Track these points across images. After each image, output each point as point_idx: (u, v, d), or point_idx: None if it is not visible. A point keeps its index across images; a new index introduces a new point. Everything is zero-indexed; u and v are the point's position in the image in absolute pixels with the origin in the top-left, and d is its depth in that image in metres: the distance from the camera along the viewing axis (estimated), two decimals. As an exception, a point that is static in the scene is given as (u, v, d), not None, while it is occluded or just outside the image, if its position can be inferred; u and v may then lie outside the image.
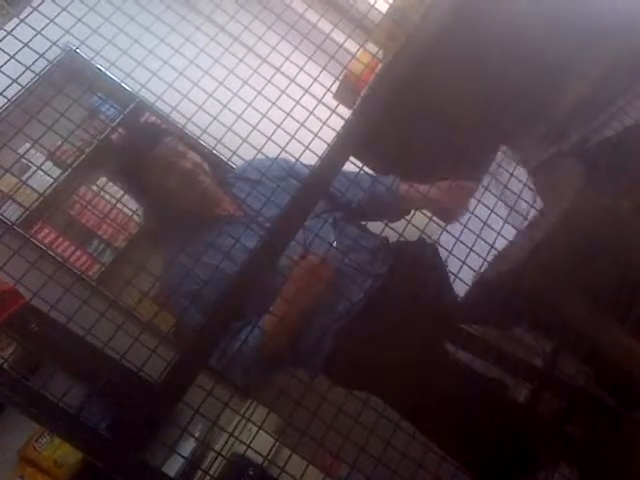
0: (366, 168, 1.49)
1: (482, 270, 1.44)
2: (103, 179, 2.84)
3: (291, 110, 1.30)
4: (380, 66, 1.87)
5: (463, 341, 1.69)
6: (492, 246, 1.44)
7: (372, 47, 1.72)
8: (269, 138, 1.30)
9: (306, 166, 1.74)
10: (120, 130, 2.86)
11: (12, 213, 2.67)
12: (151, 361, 1.24)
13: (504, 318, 1.65)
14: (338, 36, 1.48)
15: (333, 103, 1.86)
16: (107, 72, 2.83)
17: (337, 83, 1.85)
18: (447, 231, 1.52)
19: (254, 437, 1.33)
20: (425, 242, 1.70)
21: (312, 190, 1.27)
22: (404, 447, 1.22)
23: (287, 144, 1.33)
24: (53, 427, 1.24)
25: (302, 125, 1.31)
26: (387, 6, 1.67)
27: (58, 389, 1.23)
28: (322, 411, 1.20)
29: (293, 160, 1.45)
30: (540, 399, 1.73)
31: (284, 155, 1.45)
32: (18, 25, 1.42)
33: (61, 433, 1.24)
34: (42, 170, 2.65)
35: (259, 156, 1.57)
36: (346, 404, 1.23)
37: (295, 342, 1.60)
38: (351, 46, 1.57)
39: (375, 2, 1.51)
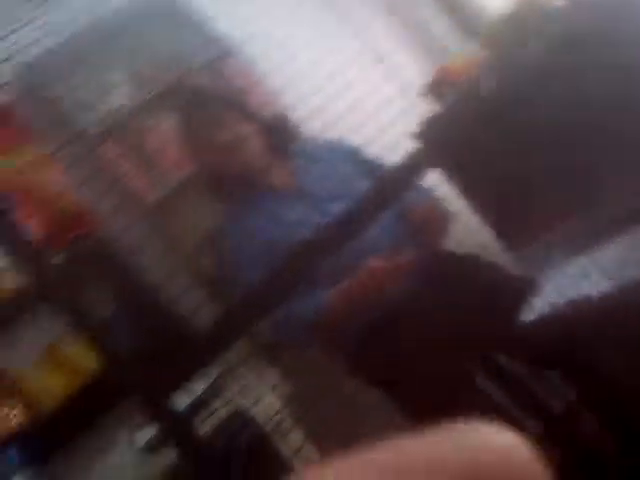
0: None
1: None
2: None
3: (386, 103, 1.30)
4: (480, 68, 1.83)
5: (492, 370, 1.68)
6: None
7: (478, 49, 1.69)
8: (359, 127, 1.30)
9: (377, 161, 1.74)
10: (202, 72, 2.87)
11: (89, 124, 2.71)
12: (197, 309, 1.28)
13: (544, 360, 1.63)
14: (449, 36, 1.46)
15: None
16: (197, 11, 2.83)
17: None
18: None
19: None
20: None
21: (391, 187, 1.27)
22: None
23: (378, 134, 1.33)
24: (86, 332, 1.26)
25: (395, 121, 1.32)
26: (500, 12, 1.64)
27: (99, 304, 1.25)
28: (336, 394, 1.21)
29: (359, 148, 1.44)
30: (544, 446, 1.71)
31: (351, 143, 1.45)
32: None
33: (92, 339, 1.26)
34: (120, 91, 2.70)
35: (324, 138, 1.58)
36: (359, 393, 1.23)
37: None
38: (456, 45, 1.56)
39: (493, 9, 1.48)
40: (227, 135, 1.74)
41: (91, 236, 1.29)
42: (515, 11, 1.63)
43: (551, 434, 1.65)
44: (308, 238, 1.22)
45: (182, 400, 2.26)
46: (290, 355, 1.82)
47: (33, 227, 1.27)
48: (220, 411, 2.46)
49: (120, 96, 2.80)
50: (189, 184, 2.85)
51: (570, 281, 1.45)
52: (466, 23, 1.47)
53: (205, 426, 2.25)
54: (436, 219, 1.77)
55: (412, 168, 1.25)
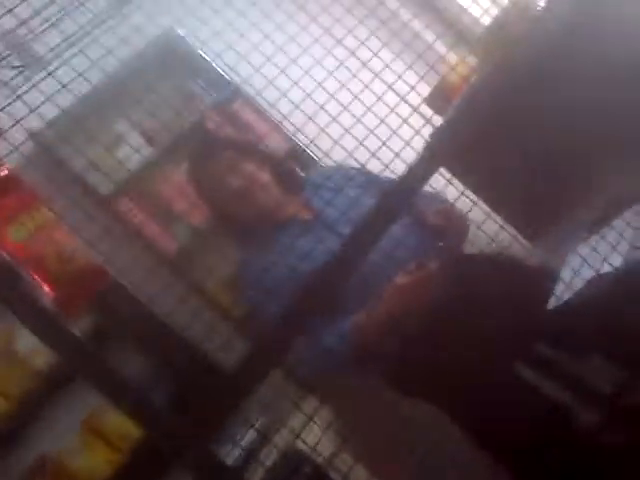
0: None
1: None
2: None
3: (386, 117, 1.31)
4: (475, 77, 1.84)
5: (535, 362, 1.65)
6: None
7: (472, 59, 1.70)
8: (361, 142, 1.31)
9: (386, 179, 1.74)
10: (212, 114, 2.91)
11: (102, 185, 2.76)
12: (225, 348, 1.27)
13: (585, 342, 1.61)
14: (439, 46, 1.47)
15: (428, 113, 1.85)
16: (205, 56, 2.89)
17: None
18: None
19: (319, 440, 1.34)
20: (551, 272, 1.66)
21: (397, 197, 1.27)
22: (467, 464, 1.21)
23: (377, 150, 1.34)
24: (120, 402, 1.27)
25: (394, 133, 1.32)
26: (489, 19, 1.64)
27: (128, 364, 1.28)
28: (388, 423, 1.21)
29: (369, 172, 1.44)
30: (608, 428, 1.67)
31: (358, 166, 1.46)
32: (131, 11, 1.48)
33: (127, 409, 1.27)
34: (130, 145, 2.74)
35: (347, 159, 1.59)
36: (414, 418, 1.23)
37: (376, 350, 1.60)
38: (451, 56, 1.56)
39: (480, 16, 1.49)
40: (240, 181, 1.76)
41: (109, 291, 1.30)
42: (502, 17, 1.64)
43: (608, 416, 1.61)
44: (324, 264, 1.21)
45: (230, 453, 2.22)
46: (327, 385, 1.80)
47: (50, 294, 1.27)
48: (270, 456, 2.42)
49: (130, 149, 2.85)
50: (206, 229, 2.88)
51: (583, 262, 1.45)
52: (457, 33, 1.48)
53: (259, 474, 2.21)
54: (456, 221, 1.76)
55: (416, 176, 1.24)
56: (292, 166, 2.03)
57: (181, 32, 2.83)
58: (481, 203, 1.55)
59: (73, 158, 2.52)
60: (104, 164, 2.70)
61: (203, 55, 2.87)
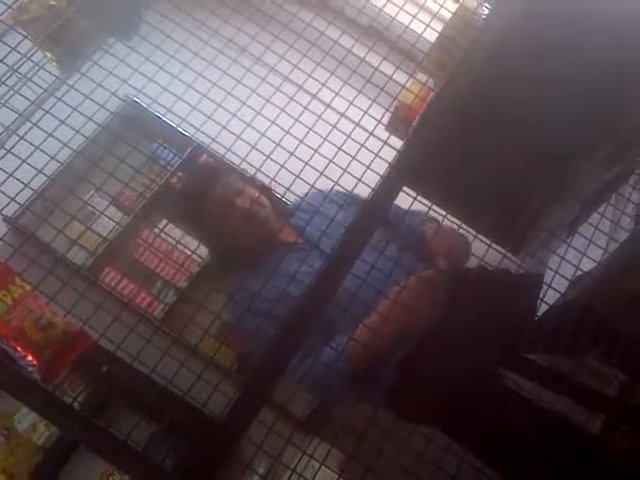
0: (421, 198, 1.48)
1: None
2: (164, 222, 2.92)
3: (342, 144, 1.31)
4: (431, 95, 1.87)
5: (533, 372, 1.63)
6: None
7: (422, 77, 1.72)
8: (322, 173, 1.31)
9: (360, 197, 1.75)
10: (179, 174, 2.94)
11: (80, 258, 2.76)
12: (215, 398, 1.25)
13: (576, 345, 1.59)
14: (386, 68, 1.49)
15: (384, 135, 1.86)
16: (164, 118, 2.93)
17: (387, 115, 1.85)
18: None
19: (317, 473, 1.31)
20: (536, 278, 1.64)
21: (367, 220, 1.27)
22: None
23: (340, 177, 1.34)
24: (120, 464, 1.27)
25: (354, 158, 1.32)
26: (435, 35, 1.67)
27: (125, 427, 1.26)
28: (386, 446, 1.18)
29: (346, 192, 1.44)
30: (615, 431, 1.65)
31: (337, 188, 1.46)
32: (79, 79, 1.50)
33: (128, 470, 1.26)
34: (106, 215, 2.76)
35: (312, 191, 1.60)
36: (410, 439, 1.20)
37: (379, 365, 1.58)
38: (400, 77, 1.58)
39: (423, 32, 1.51)
40: (248, 204, 1.75)
41: (91, 352, 1.29)
42: (448, 30, 1.67)
43: (616, 418, 1.58)
44: (314, 283, 1.20)
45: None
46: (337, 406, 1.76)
47: (34, 362, 1.26)
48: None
49: (107, 221, 2.86)
50: (193, 287, 2.87)
51: (565, 263, 1.44)
52: (402, 51, 1.51)
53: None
54: (457, 241, 1.74)
55: (380, 198, 1.25)
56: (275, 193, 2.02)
57: (141, 101, 2.88)
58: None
59: (51, 236, 2.53)
60: (82, 238, 2.71)
61: (164, 119, 2.92)
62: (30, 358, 1.24)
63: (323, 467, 1.39)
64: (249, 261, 1.77)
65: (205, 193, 1.76)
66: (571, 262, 1.47)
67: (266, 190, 1.86)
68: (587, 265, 1.45)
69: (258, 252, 1.77)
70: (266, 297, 1.44)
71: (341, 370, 1.51)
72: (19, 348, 1.22)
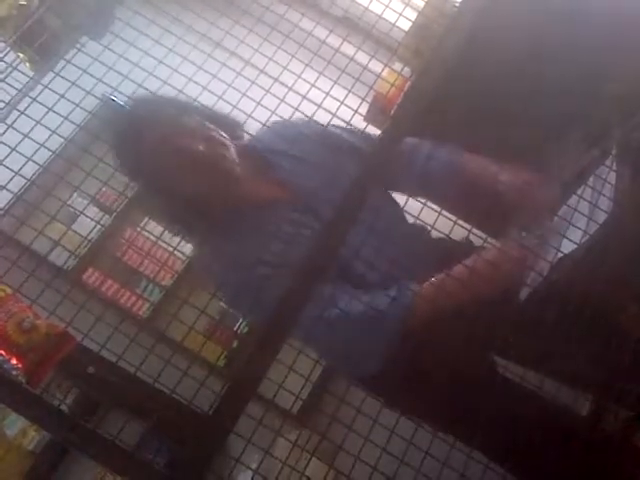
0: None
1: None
2: (146, 220, 2.91)
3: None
4: (408, 84, 1.87)
5: (516, 355, 1.64)
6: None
7: (397, 66, 1.73)
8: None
9: (341, 129, 1.60)
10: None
11: (63, 259, 2.74)
12: (202, 393, 1.25)
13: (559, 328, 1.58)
14: (362, 58, 1.49)
15: (361, 125, 1.86)
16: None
17: (364, 105, 1.85)
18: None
19: (307, 464, 1.32)
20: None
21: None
22: (461, 468, 1.19)
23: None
24: (111, 465, 1.26)
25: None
26: (409, 23, 1.68)
27: (115, 428, 1.26)
28: (374, 435, 1.19)
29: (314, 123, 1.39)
30: (604, 411, 1.66)
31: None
32: (54, 79, 1.48)
33: (119, 471, 1.26)
34: (86, 215, 2.74)
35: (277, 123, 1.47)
36: (399, 426, 1.21)
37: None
38: (375, 67, 1.58)
39: (396, 20, 1.51)
40: (204, 146, 1.41)
41: (76, 354, 1.29)
42: (422, 18, 1.68)
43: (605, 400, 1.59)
44: (312, 250, 1.15)
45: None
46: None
47: (19, 365, 1.26)
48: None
49: (89, 220, 2.84)
50: (178, 284, 2.86)
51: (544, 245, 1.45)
52: (376, 40, 1.51)
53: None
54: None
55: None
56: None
57: (117, 99, 2.85)
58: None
59: (32, 239, 2.50)
60: (64, 239, 2.69)
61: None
62: (14, 361, 1.23)
63: (314, 458, 1.39)
64: (221, 221, 1.46)
65: (141, 137, 1.42)
66: (552, 245, 1.48)
67: (230, 127, 1.50)
68: (568, 247, 1.47)
69: (232, 209, 1.46)
70: (263, 260, 1.32)
71: (398, 319, 1.34)
72: (2, 351, 1.22)
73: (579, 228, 1.53)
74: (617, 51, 1.63)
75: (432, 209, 1.49)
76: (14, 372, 1.24)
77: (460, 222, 1.51)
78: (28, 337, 1.24)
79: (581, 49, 1.61)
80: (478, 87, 1.66)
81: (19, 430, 2.82)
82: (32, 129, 1.45)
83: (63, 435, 1.29)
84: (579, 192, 1.66)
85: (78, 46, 1.50)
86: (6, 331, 1.27)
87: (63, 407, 1.28)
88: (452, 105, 1.65)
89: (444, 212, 1.53)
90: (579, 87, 1.68)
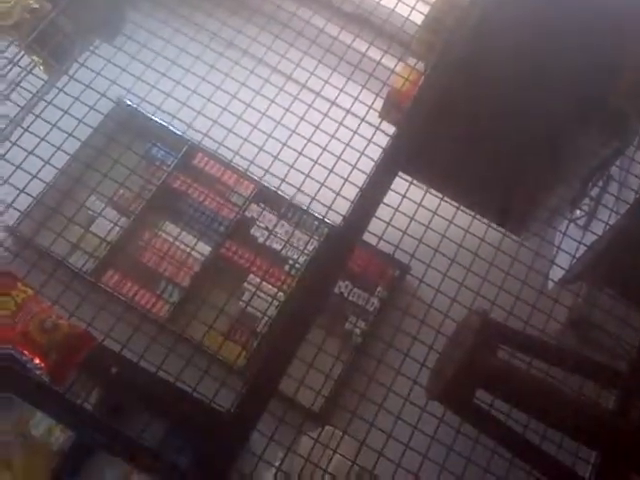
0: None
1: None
2: (163, 222, 2.92)
3: (335, 132, 1.31)
4: (422, 78, 1.85)
5: (539, 351, 1.62)
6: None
7: (411, 60, 1.71)
8: (315, 162, 1.31)
9: None
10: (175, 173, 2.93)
11: (83, 262, 2.75)
12: (222, 392, 1.25)
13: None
14: (374, 53, 1.49)
15: (376, 121, 1.85)
16: (155, 118, 2.91)
17: (378, 100, 1.84)
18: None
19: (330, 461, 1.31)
20: None
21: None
22: (485, 463, 1.18)
23: (334, 165, 1.33)
24: (136, 463, 1.27)
25: (347, 145, 1.32)
26: (421, 17, 1.66)
27: (140, 427, 1.26)
28: (397, 431, 1.18)
29: None
30: (630, 405, 1.63)
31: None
32: (68, 82, 1.49)
33: (144, 469, 1.27)
34: (105, 217, 2.75)
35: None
36: (421, 422, 1.20)
37: None
38: (389, 62, 1.57)
39: (409, 14, 1.50)
40: None
41: (99, 354, 1.30)
42: (434, 12, 1.66)
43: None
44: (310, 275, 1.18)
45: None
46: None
47: (41, 365, 1.27)
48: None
49: (106, 223, 2.85)
50: (196, 285, 2.87)
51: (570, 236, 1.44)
52: (389, 36, 1.49)
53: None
54: None
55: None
56: None
57: (130, 102, 2.86)
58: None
59: (52, 242, 2.52)
60: (83, 242, 2.70)
61: (156, 119, 2.90)
62: (37, 361, 1.24)
63: (337, 455, 1.38)
64: None
65: None
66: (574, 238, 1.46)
67: None
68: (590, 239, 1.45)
69: None
70: None
71: None
72: (25, 351, 1.23)
73: (602, 220, 1.51)
74: (631, 39, 1.60)
75: (449, 203, 1.48)
76: (37, 371, 1.25)
77: (478, 217, 1.51)
78: (50, 337, 1.25)
79: (595, 37, 1.59)
80: (491, 82, 1.63)
81: (45, 430, 2.83)
82: (48, 133, 1.46)
83: (88, 434, 1.30)
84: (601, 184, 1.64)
85: (91, 48, 1.51)
86: (29, 331, 1.28)
87: (87, 406, 1.29)
88: (466, 99, 1.63)
89: (462, 208, 1.52)
90: (594, 77, 1.65)
